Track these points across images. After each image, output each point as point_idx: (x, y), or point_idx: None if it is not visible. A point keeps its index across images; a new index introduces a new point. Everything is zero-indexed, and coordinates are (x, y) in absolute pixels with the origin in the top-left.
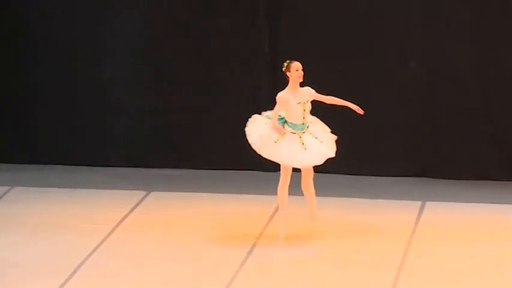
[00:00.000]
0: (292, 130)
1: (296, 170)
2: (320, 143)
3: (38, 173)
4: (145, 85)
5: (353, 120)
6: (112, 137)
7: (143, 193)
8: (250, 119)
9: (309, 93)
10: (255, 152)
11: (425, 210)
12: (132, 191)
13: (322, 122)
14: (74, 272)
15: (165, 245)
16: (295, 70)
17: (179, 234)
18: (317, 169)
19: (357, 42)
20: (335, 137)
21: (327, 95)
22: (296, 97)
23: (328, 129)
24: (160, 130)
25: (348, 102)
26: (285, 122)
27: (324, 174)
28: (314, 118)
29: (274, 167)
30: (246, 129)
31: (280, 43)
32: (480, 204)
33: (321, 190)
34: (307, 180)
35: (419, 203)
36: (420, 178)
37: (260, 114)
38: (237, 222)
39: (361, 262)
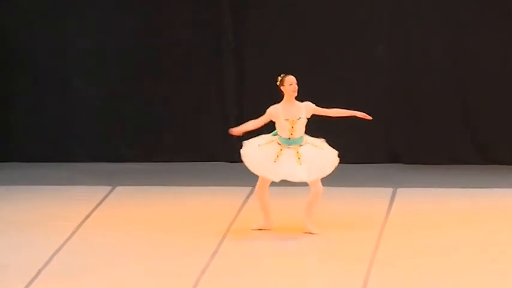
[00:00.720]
0: (278, 141)
1: None
2: (318, 153)
3: (2, 170)
4: (110, 80)
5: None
6: (75, 132)
7: (108, 188)
8: (244, 144)
9: (307, 109)
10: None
11: (397, 196)
12: (97, 187)
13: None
14: (40, 270)
15: (132, 240)
16: (288, 84)
17: (146, 228)
18: None
19: (326, 29)
20: (332, 155)
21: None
22: (287, 113)
23: (322, 152)
24: (125, 125)
25: (353, 112)
26: (276, 134)
27: None
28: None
29: (239, 158)
30: (242, 153)
31: (245, 33)
32: (452, 189)
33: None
34: (317, 195)
35: (391, 189)
36: (393, 164)
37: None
38: (204, 214)
39: (334, 250)
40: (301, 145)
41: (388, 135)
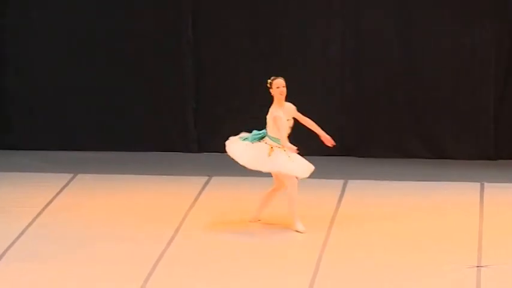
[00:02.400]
0: (276, 145)
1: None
2: (289, 161)
3: None
4: (73, 67)
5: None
6: (39, 120)
7: (70, 176)
8: (228, 141)
9: (292, 111)
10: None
11: (348, 188)
12: (59, 174)
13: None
14: (2, 254)
15: (91, 227)
16: (276, 87)
17: (105, 216)
18: None
19: (279, 27)
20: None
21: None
22: (285, 114)
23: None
24: (87, 113)
25: (321, 132)
26: (263, 136)
27: None
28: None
29: (198, 148)
30: (228, 150)
31: (204, 28)
32: (402, 182)
33: (244, 170)
34: (279, 190)
35: (342, 181)
36: (344, 157)
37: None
38: (162, 203)
39: (285, 240)
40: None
41: (340, 128)
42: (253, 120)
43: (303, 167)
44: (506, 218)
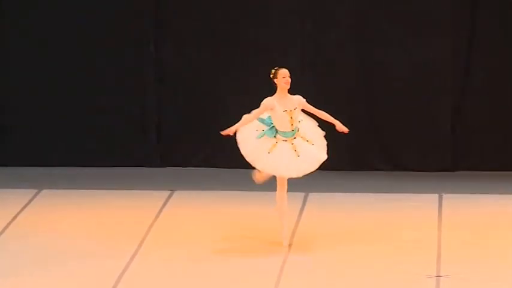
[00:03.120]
0: (283, 138)
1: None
2: (311, 146)
3: None
4: (35, 83)
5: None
6: (2, 135)
7: (34, 191)
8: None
9: (299, 102)
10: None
11: (308, 201)
12: (23, 190)
13: (309, 118)
14: None
15: (55, 242)
16: (282, 77)
17: (68, 231)
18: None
19: (235, 35)
20: (323, 133)
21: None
22: (282, 104)
23: (315, 124)
24: (50, 128)
25: (336, 121)
26: (277, 131)
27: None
28: (302, 116)
29: (160, 163)
30: (237, 137)
31: (166, 41)
32: (362, 194)
33: (207, 184)
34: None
35: (302, 194)
36: None
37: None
38: (124, 218)
39: (245, 254)
40: (294, 137)
41: None
42: (217, 134)
43: (309, 161)
44: (465, 228)
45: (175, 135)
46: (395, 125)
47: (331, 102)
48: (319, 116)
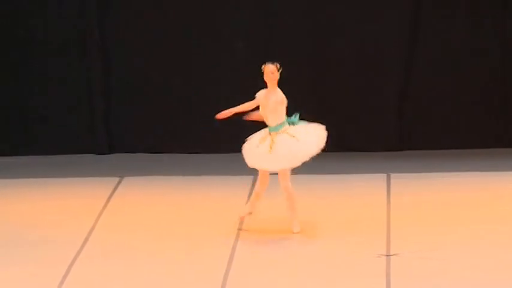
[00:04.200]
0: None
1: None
2: (295, 142)
3: None
4: None
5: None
6: None
7: None
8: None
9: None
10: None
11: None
12: None
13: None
14: None
15: (4, 231)
16: (270, 73)
17: (18, 219)
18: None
19: (189, 24)
20: (323, 128)
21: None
22: (273, 98)
23: (314, 127)
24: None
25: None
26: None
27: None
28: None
29: (109, 149)
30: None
31: (112, 29)
32: (311, 175)
33: (156, 170)
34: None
35: (251, 177)
36: None
37: None
38: (73, 206)
39: (195, 239)
40: (277, 133)
41: (247, 122)
42: (165, 120)
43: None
44: (413, 207)
45: (123, 121)
46: (342, 106)
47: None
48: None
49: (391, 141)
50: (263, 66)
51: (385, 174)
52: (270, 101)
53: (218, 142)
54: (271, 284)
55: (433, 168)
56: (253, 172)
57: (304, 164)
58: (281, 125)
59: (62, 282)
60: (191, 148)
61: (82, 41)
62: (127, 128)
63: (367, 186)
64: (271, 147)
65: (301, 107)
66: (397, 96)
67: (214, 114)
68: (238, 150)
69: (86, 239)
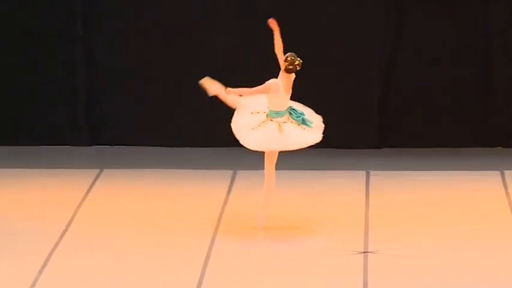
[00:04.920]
0: (273, 118)
1: None
2: (300, 129)
3: None
4: None
5: (160, 92)
6: None
7: None
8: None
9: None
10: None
11: (237, 178)
12: None
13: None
14: None
15: None
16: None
17: None
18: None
19: (172, 17)
20: (320, 118)
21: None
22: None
23: (312, 112)
24: None
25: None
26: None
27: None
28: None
29: (89, 141)
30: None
31: (95, 22)
32: (290, 171)
33: (136, 163)
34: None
35: (231, 171)
36: (232, 148)
37: None
38: (51, 197)
39: (174, 232)
40: (284, 122)
41: (226, 120)
42: (145, 113)
43: (293, 139)
44: (391, 205)
45: (104, 114)
46: (322, 104)
47: (258, 79)
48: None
49: (371, 139)
50: (287, 55)
51: (365, 172)
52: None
53: (198, 136)
54: (247, 279)
55: (412, 166)
56: (233, 166)
57: (286, 159)
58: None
59: (40, 273)
60: (171, 141)
61: (64, 33)
62: (108, 121)
63: (346, 183)
64: (280, 129)
65: None
66: (378, 95)
67: (194, 108)
68: (218, 144)
69: (65, 231)
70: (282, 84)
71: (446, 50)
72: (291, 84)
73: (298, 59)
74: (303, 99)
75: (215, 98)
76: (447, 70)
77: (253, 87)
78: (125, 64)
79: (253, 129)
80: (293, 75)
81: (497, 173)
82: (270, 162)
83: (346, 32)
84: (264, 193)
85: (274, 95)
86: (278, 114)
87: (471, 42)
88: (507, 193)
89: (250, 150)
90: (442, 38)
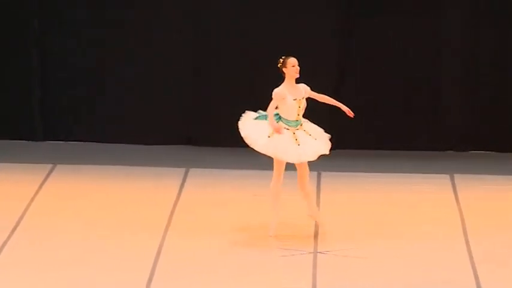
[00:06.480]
0: (286, 126)
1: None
2: (313, 140)
3: None
4: None
5: (113, 89)
6: None
7: None
8: (243, 115)
9: (305, 90)
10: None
11: (189, 176)
12: None
13: (312, 124)
14: None
15: None
16: (291, 66)
17: None
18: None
19: (127, 13)
20: (328, 136)
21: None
22: (292, 93)
23: (320, 129)
24: None
25: (339, 103)
26: (280, 118)
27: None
28: (305, 120)
29: (43, 137)
30: (239, 123)
31: (50, 19)
32: (242, 170)
33: (88, 158)
34: (303, 178)
35: (183, 169)
36: (184, 146)
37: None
38: (7, 191)
39: (123, 227)
40: (301, 124)
41: (181, 118)
42: (98, 110)
43: (309, 151)
44: (342, 206)
45: (58, 109)
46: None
47: (214, 79)
48: (324, 101)
49: None
50: (281, 60)
51: (316, 173)
52: (300, 95)
53: (152, 133)
54: (197, 276)
55: (363, 168)
56: (185, 164)
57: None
58: (300, 120)
59: None
60: (124, 138)
61: (20, 30)
62: (62, 116)
63: (297, 184)
64: (296, 140)
65: (236, 102)
66: (331, 96)
67: (148, 106)
68: (172, 142)
69: (17, 225)
70: (288, 92)
71: (398, 53)
72: (301, 92)
73: (282, 57)
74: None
75: None
76: (398, 73)
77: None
78: (80, 61)
79: (268, 136)
80: (293, 79)
81: (447, 176)
82: (279, 168)
83: (297, 36)
84: (271, 199)
85: (282, 102)
86: (288, 122)
87: (422, 45)
88: (456, 196)
89: (202, 149)
90: (393, 41)
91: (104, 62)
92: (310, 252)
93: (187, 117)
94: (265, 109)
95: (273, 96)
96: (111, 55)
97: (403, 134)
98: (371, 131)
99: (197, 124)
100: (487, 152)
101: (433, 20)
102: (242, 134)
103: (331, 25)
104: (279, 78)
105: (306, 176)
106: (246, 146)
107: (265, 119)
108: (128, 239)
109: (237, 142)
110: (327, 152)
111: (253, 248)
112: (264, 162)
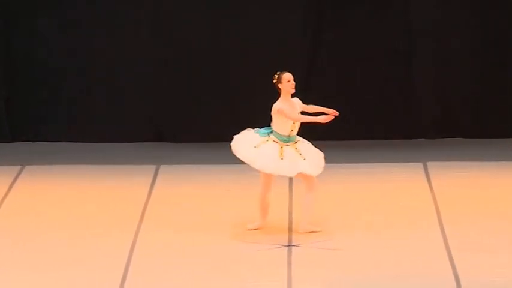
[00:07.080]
0: (275, 139)
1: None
2: (301, 159)
3: None
4: None
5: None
6: None
7: None
8: (237, 144)
9: (299, 105)
10: None
11: (160, 173)
12: None
13: (312, 146)
14: None
15: None
16: (286, 81)
17: None
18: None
19: (97, 12)
20: (323, 162)
21: None
22: (290, 110)
23: (318, 153)
24: None
25: (325, 109)
26: (272, 131)
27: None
28: (304, 140)
29: (11, 137)
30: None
31: (13, 18)
32: (215, 165)
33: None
34: (305, 191)
35: (154, 166)
36: (156, 143)
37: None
38: None
39: (97, 226)
40: (296, 142)
41: (153, 114)
42: (67, 109)
43: (289, 167)
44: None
45: (25, 110)
46: (248, 97)
47: (185, 76)
48: (314, 111)
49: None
50: (276, 75)
51: None
52: (297, 110)
53: (121, 131)
54: (171, 272)
55: (336, 158)
56: (156, 161)
57: (208, 153)
58: (294, 137)
59: None
60: (93, 137)
61: None
62: (29, 117)
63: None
64: (301, 154)
65: (207, 98)
66: (301, 87)
67: (118, 104)
68: (141, 139)
69: None
70: (285, 108)
71: (369, 43)
72: (296, 108)
73: (277, 73)
74: (230, 94)
75: None
76: (369, 63)
77: None
78: (47, 60)
79: (255, 147)
80: (289, 95)
81: (420, 164)
82: (265, 181)
83: (267, 32)
84: (259, 209)
85: (278, 116)
86: (279, 136)
87: (392, 35)
88: (430, 184)
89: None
90: (364, 34)
91: (72, 60)
92: (285, 246)
93: (157, 113)
94: (232, 110)
95: (281, 112)
96: (78, 53)
97: (374, 124)
98: (343, 121)
99: (167, 120)
100: (459, 138)
101: (403, 7)
102: (231, 144)
103: (302, 16)
104: (250, 72)
105: (309, 191)
106: (217, 141)
107: (266, 135)
108: (100, 237)
109: (208, 138)
110: (312, 173)
111: (227, 242)
112: (235, 157)
